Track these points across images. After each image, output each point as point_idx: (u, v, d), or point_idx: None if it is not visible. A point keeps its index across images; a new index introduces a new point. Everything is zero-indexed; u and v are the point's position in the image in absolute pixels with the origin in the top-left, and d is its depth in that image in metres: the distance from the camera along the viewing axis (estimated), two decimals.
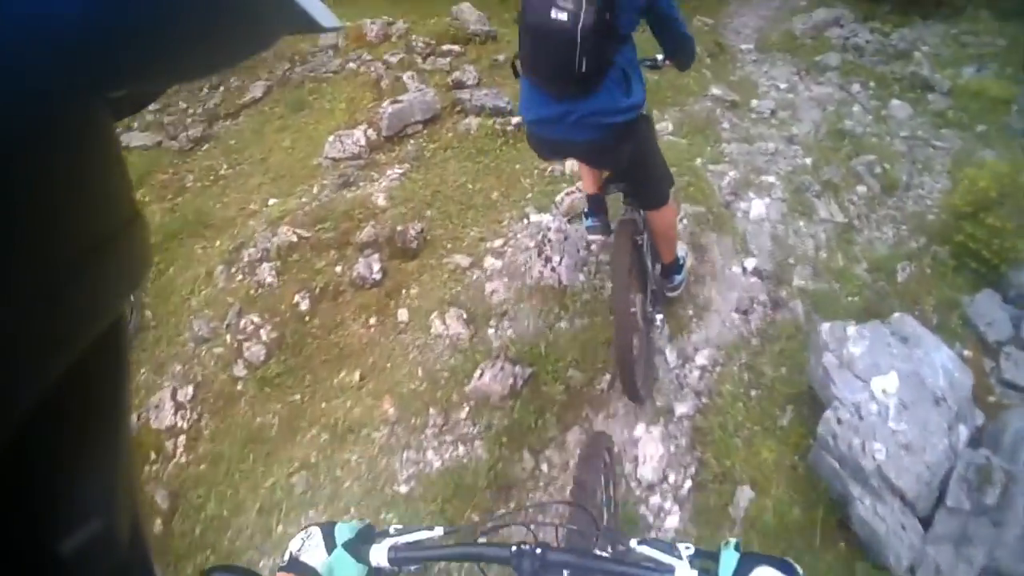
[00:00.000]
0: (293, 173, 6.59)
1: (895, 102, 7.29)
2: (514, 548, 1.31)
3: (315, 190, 6.19)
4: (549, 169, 5.96)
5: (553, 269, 4.64)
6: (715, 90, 7.31)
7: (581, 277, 4.71)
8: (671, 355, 4.27)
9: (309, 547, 1.34)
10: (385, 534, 1.39)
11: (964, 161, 6.27)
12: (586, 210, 4.21)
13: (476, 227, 5.44)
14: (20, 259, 0.33)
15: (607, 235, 4.02)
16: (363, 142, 6.61)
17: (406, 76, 7.66)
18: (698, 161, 6.00)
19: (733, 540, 1.25)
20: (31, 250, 0.34)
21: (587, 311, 4.49)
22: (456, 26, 8.88)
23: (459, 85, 7.52)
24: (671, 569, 1.21)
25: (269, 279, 5.12)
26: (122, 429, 0.48)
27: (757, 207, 5.42)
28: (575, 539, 1.76)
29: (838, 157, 6.19)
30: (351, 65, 8.34)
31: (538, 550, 1.29)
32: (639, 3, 2.85)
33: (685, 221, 5.13)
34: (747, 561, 1.17)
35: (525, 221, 5.38)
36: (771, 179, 5.85)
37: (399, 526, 1.42)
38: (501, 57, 8.26)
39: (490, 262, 5.00)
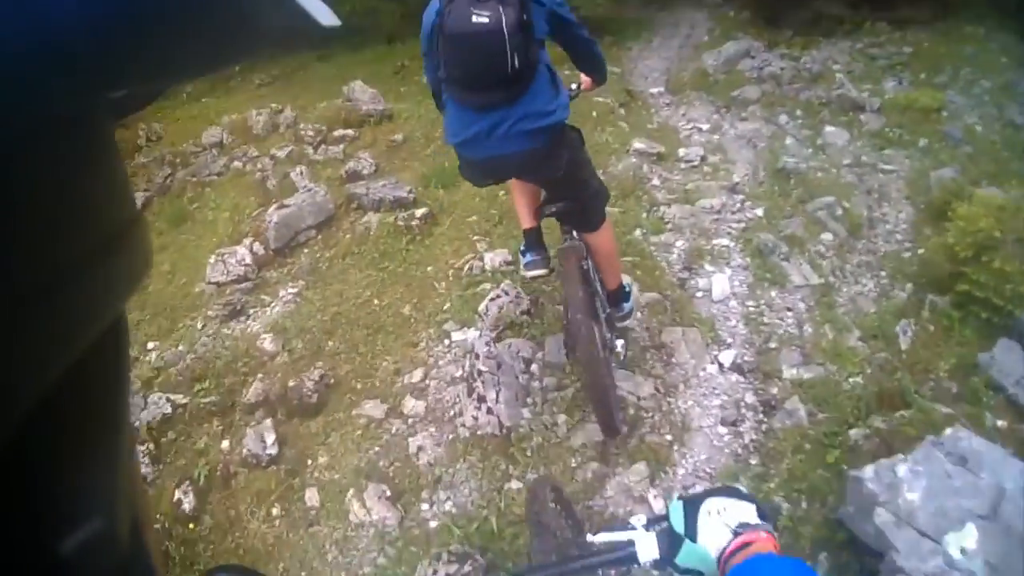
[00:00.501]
0: (174, 306, 5.44)
1: (829, 129, 6.52)
2: None
3: (199, 325, 5.07)
4: (467, 267, 4.93)
5: (489, 410, 3.56)
6: (638, 144, 6.38)
7: (525, 413, 3.65)
8: (657, 503, 3.24)
9: None
10: None
11: (918, 183, 5.57)
12: (522, 247, 3.72)
13: (388, 356, 4.34)
14: (20, 259, 0.32)
15: (547, 269, 3.64)
16: (249, 260, 5.47)
17: (294, 173, 6.61)
18: (637, 233, 5.02)
19: (676, 495, 1.34)
20: (31, 250, 0.33)
21: (541, 459, 3.45)
22: (348, 108, 7.92)
23: (354, 177, 6.50)
24: (631, 542, 1.20)
25: (143, 469, 3.92)
26: (122, 429, 0.47)
27: (719, 283, 4.45)
28: (539, 557, 1.82)
29: (790, 202, 5.30)
30: (236, 164, 7.30)
31: None
32: (544, 10, 2.74)
33: (639, 314, 4.07)
34: (692, 501, 1.16)
35: (446, 342, 4.32)
36: (725, 242, 4.91)
37: None
38: (399, 137, 7.34)
39: (411, 405, 3.91)
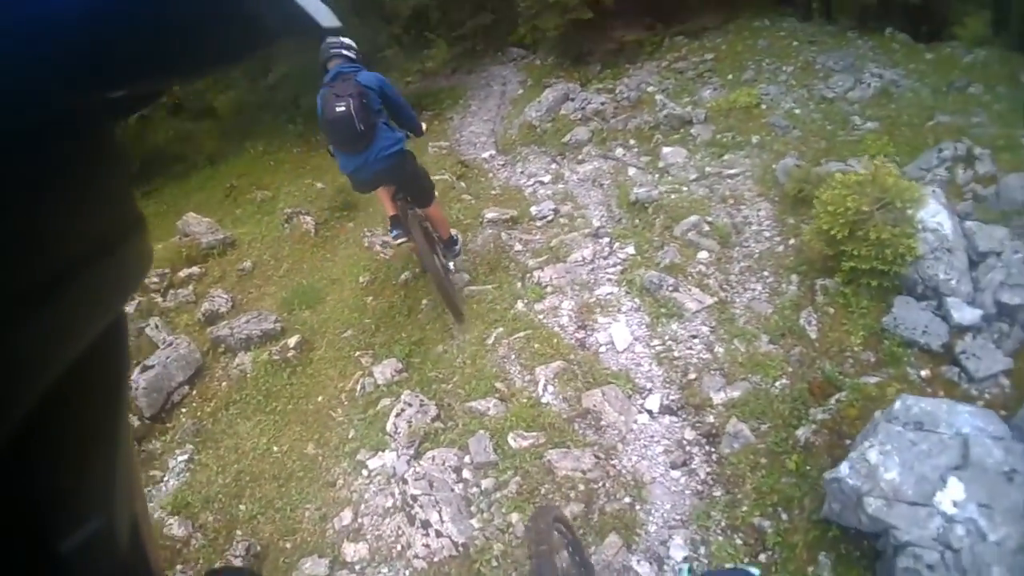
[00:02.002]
0: None
1: (665, 150, 6.89)
2: None
3: None
4: (358, 386, 4.81)
5: (439, 533, 3.41)
6: (489, 214, 6.50)
7: (475, 523, 3.54)
8: (643, 568, 3.21)
9: None
10: None
11: (765, 179, 5.98)
12: (390, 227, 5.34)
13: (309, 504, 4.11)
14: (21, 258, 0.33)
15: (407, 238, 5.12)
16: None
17: (149, 327, 6.20)
18: (520, 305, 5.10)
19: (686, 565, 1.38)
20: (32, 249, 0.34)
21: (511, 565, 3.28)
22: (187, 244, 7.71)
23: (213, 318, 6.28)
24: None
25: None
26: (122, 428, 0.48)
27: (618, 332, 4.56)
28: None
29: (656, 232, 5.53)
30: None
31: None
32: (376, 92, 4.57)
33: (551, 388, 4.11)
34: None
35: (364, 472, 4.15)
36: (609, 289, 5.05)
37: None
38: (248, 264, 7.19)
39: (351, 551, 3.69)
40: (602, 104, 8.29)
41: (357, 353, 5.18)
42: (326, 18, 0.44)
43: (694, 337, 4.39)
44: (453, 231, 5.75)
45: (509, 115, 9.37)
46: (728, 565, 3.03)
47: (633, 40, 9.73)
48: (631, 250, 5.40)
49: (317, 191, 8.45)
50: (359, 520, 3.83)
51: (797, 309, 4.36)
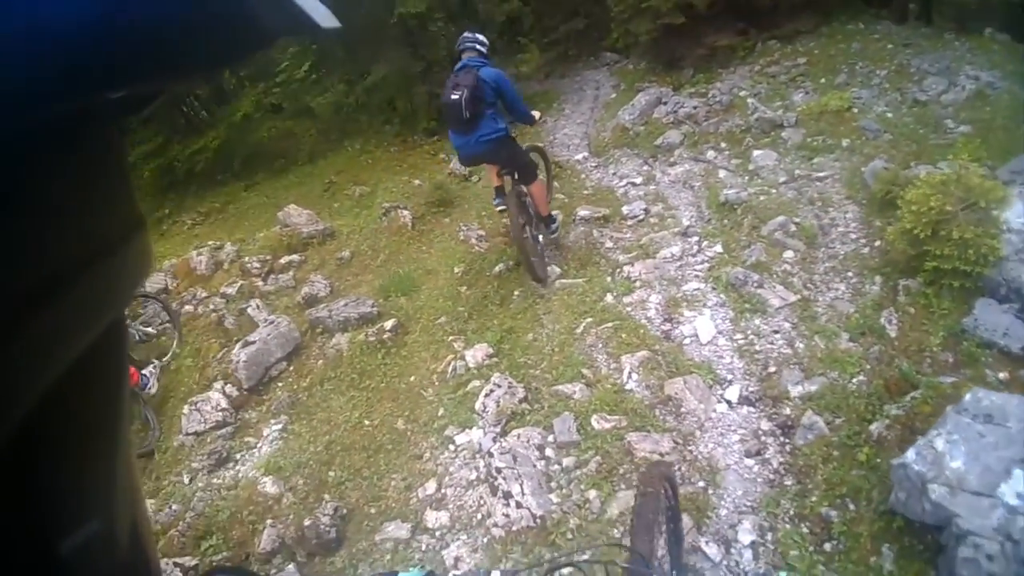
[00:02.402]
0: (154, 463, 5.29)
1: (756, 152, 6.93)
2: None
3: (186, 480, 4.98)
4: (450, 368, 5.07)
5: (519, 504, 3.62)
6: (581, 212, 6.72)
7: (554, 498, 3.73)
8: (711, 549, 3.34)
9: None
10: None
11: (853, 182, 5.97)
12: (494, 197, 6.10)
13: (395, 474, 4.38)
14: (24, 258, 0.33)
15: (506, 207, 5.73)
16: (224, 404, 5.51)
17: (251, 307, 6.71)
18: (609, 298, 5.27)
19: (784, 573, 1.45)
20: (33, 250, 0.34)
21: (584, 539, 3.44)
22: (288, 233, 8.12)
23: (312, 301, 6.65)
24: None
25: None
26: (121, 428, 0.49)
27: (703, 326, 4.69)
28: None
29: (744, 232, 5.64)
30: (188, 308, 7.24)
31: None
32: (492, 88, 5.18)
33: (635, 376, 4.29)
34: None
35: (451, 447, 4.39)
36: (696, 285, 5.18)
37: (458, 572, 1.48)
38: (346, 254, 7.53)
39: (433, 518, 3.93)
40: (694, 108, 8.34)
41: (450, 338, 5.44)
42: (325, 18, 0.44)
43: (776, 332, 4.49)
44: (554, 212, 6.42)
45: (602, 118, 9.50)
46: None
47: (725, 45, 9.66)
48: (719, 248, 5.52)
49: (414, 187, 8.79)
50: (443, 490, 4.07)
51: (879, 308, 4.40)
